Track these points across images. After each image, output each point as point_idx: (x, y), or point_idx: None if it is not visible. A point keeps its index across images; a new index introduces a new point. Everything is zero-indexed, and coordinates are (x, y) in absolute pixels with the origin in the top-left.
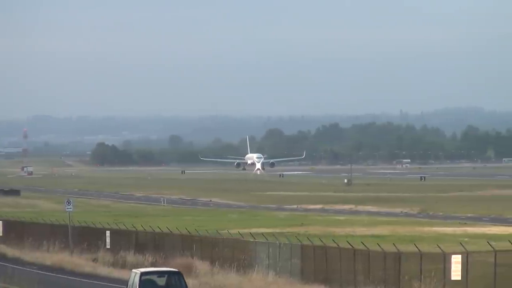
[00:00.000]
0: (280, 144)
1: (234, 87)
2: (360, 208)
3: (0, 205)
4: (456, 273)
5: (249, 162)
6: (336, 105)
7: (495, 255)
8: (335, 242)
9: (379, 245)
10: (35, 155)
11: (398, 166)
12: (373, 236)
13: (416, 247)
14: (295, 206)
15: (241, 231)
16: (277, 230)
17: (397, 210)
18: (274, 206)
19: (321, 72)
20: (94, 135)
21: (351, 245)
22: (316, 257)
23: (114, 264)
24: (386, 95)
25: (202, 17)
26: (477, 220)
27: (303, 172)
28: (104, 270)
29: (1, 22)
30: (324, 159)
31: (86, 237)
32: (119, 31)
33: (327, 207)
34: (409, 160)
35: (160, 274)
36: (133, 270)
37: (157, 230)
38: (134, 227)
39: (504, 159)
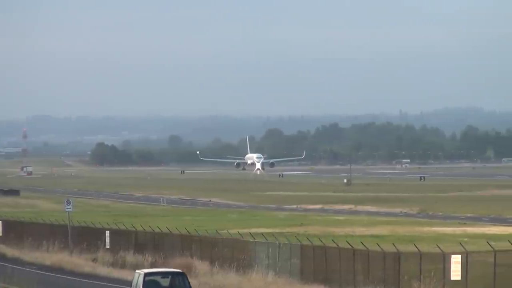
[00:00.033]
0: (280, 144)
1: (234, 87)
2: (360, 208)
3: None
4: (455, 273)
5: (249, 162)
6: (336, 105)
7: (495, 255)
8: (334, 242)
9: (378, 245)
10: (35, 155)
11: (398, 166)
12: (372, 236)
13: (416, 247)
14: (294, 206)
15: (241, 231)
16: (277, 230)
17: (397, 210)
18: (273, 206)
19: (321, 72)
20: (94, 135)
21: (351, 245)
22: (315, 257)
23: (113, 264)
24: (386, 95)
25: (202, 17)
26: (476, 220)
27: (303, 172)
28: (103, 270)
29: (1, 22)
30: (324, 159)
31: (86, 237)
32: (119, 31)
33: (326, 207)
34: (408, 160)
35: (164, 274)
36: (137, 271)
37: (157, 230)
38: (134, 227)
39: (503, 159)
